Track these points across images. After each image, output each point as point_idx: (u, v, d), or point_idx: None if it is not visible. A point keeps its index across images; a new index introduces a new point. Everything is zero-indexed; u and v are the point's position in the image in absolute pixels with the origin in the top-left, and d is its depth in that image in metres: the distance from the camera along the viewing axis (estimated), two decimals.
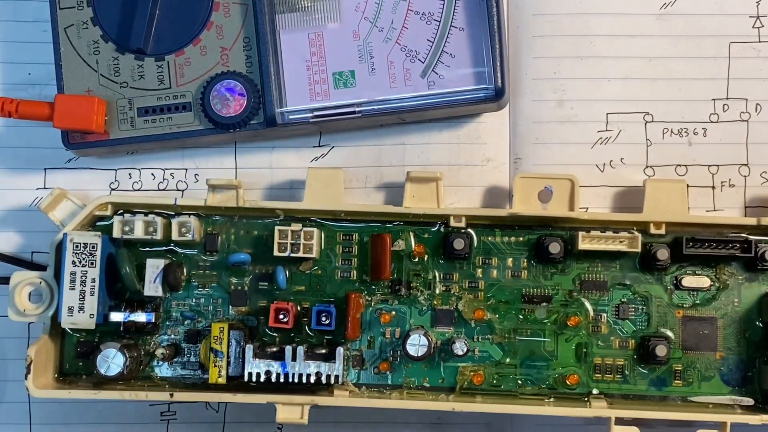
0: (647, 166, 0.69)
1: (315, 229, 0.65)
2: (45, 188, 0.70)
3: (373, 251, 0.66)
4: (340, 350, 0.64)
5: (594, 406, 0.65)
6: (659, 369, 0.66)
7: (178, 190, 0.70)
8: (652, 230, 0.66)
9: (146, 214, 0.66)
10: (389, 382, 0.66)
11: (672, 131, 0.69)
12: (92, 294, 0.64)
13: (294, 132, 0.68)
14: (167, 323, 0.67)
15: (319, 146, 0.70)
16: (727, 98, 0.69)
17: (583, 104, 0.70)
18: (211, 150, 0.70)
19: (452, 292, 0.66)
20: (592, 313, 0.66)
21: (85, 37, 0.67)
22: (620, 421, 0.63)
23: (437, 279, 0.67)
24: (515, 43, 0.70)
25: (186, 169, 0.70)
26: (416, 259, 0.67)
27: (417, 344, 0.64)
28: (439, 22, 0.66)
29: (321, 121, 0.67)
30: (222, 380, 0.64)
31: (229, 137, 0.69)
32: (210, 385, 0.64)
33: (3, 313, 0.67)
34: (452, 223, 0.66)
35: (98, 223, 0.67)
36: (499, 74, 0.65)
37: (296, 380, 0.63)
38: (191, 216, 0.66)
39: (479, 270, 0.67)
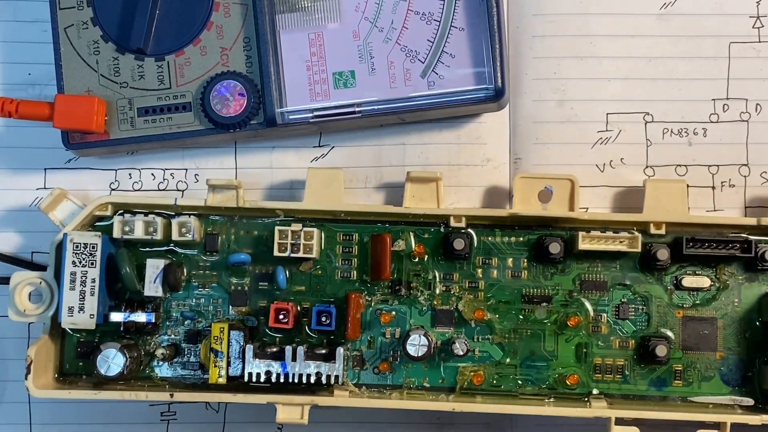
0: (647, 166, 0.69)
1: (315, 230, 0.65)
2: (45, 188, 0.70)
3: (373, 251, 0.66)
4: (340, 350, 0.64)
5: (594, 406, 0.65)
6: (659, 369, 0.66)
7: (178, 190, 0.70)
8: (652, 230, 0.66)
9: (146, 214, 0.66)
10: (389, 382, 0.66)
11: (672, 131, 0.69)
12: (92, 294, 0.64)
13: (294, 132, 0.68)
14: (167, 323, 0.67)
15: (319, 146, 0.70)
16: (727, 98, 0.69)
17: (583, 104, 0.70)
18: (211, 150, 0.70)
19: (452, 292, 0.66)
20: (592, 313, 0.66)
21: (85, 37, 0.67)
22: (620, 422, 0.63)
23: (437, 279, 0.66)
24: (515, 43, 0.70)
25: (186, 169, 0.70)
26: (416, 259, 0.67)
27: (417, 344, 0.64)
28: (439, 22, 0.66)
29: (321, 121, 0.67)
30: (222, 380, 0.64)
31: (229, 137, 0.69)
32: (210, 386, 0.64)
33: (3, 313, 0.67)
34: (452, 223, 0.66)
35: (98, 224, 0.67)
36: (499, 74, 0.65)
37: (296, 380, 0.63)
38: (191, 216, 0.66)
39: (479, 270, 0.67)
